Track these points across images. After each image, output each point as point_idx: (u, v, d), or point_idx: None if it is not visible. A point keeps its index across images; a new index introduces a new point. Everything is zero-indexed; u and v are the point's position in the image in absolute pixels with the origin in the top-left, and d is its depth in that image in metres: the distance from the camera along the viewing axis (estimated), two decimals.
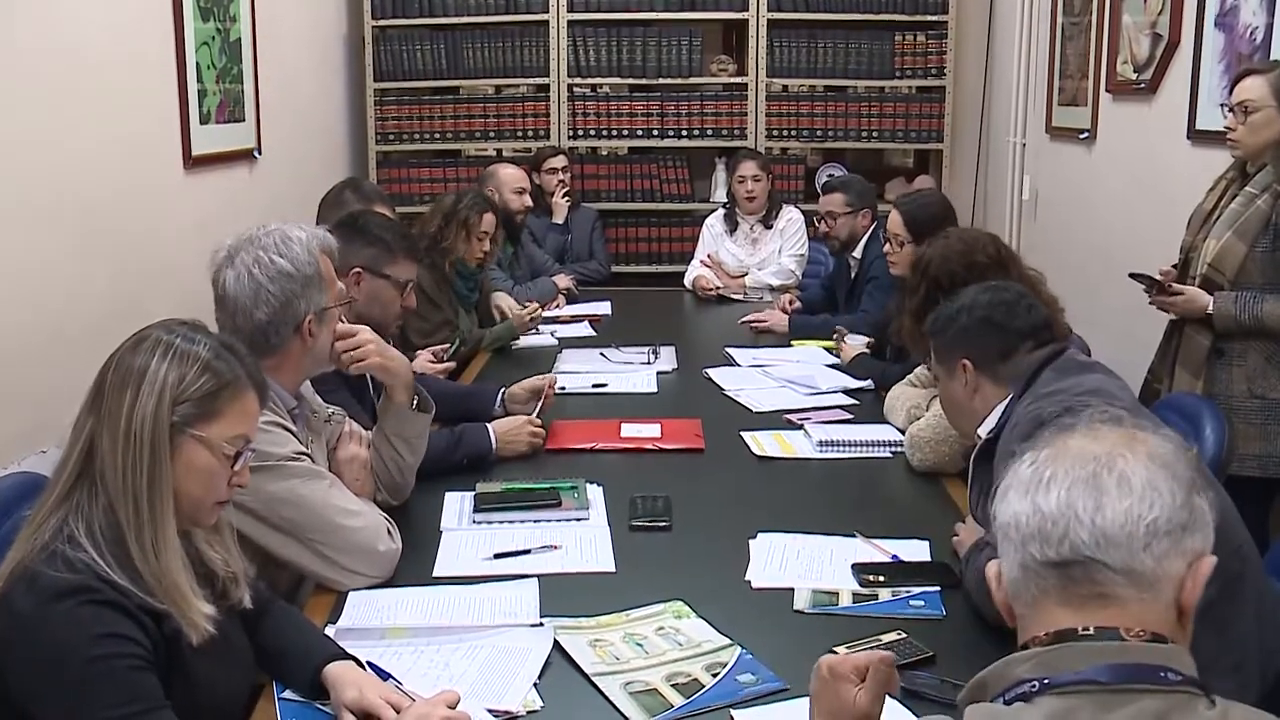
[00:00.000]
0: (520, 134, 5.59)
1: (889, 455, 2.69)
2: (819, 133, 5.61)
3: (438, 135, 5.59)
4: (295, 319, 2.00)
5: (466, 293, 4.06)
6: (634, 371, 3.52)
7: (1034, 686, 1.05)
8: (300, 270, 2.00)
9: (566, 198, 5.13)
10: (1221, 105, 2.96)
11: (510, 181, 4.65)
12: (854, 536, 2.17)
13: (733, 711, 1.58)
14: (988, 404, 2.07)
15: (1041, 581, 1.11)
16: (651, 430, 2.85)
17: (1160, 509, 1.09)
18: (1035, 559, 1.11)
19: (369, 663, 1.68)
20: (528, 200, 4.70)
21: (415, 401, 2.28)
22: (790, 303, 4.40)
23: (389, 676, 1.66)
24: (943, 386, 2.20)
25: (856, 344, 3.60)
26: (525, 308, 4.10)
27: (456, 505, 2.36)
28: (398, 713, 1.54)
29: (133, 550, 1.45)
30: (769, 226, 5.04)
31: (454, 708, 1.55)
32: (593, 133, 5.62)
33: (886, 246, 3.48)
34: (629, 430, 2.85)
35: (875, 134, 5.60)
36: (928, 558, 2.10)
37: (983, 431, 2.06)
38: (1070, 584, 1.10)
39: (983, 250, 2.61)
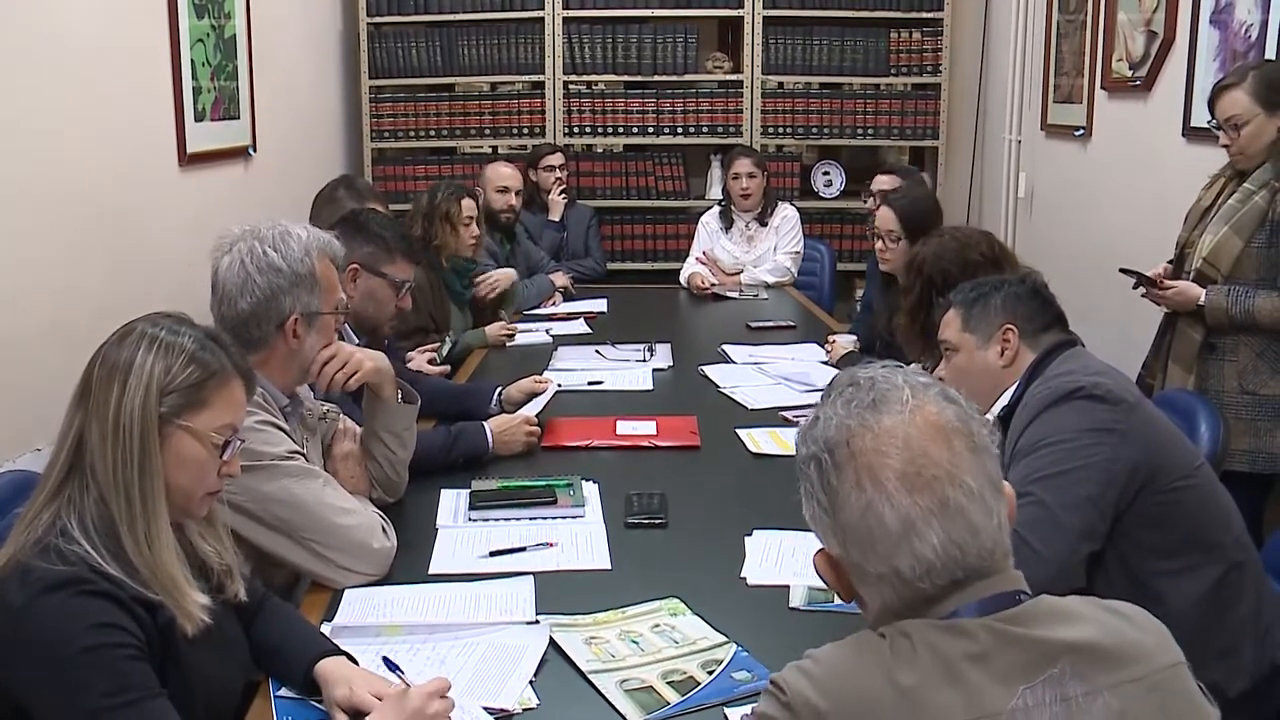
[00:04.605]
0: (515, 131, 5.59)
1: None
2: (814, 130, 5.61)
3: (433, 132, 5.59)
4: (279, 315, 1.99)
5: (460, 289, 4.05)
6: (629, 369, 3.52)
7: None
8: (291, 267, 1.99)
9: (563, 195, 5.13)
10: (1209, 123, 2.96)
11: (492, 180, 4.63)
12: None
13: (726, 710, 1.58)
14: (1015, 375, 2.09)
15: None
16: (647, 427, 2.85)
17: None
18: None
19: (384, 658, 1.67)
20: (512, 199, 4.64)
21: (400, 394, 2.29)
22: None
23: (397, 669, 1.64)
24: (965, 358, 2.17)
25: (846, 342, 3.61)
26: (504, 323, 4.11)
27: (452, 503, 2.36)
28: None
29: (126, 542, 1.45)
30: (764, 224, 5.05)
31: (444, 695, 1.54)
32: (588, 130, 5.61)
33: (879, 244, 3.48)
34: (624, 428, 2.85)
35: (871, 131, 5.60)
36: None
37: (994, 412, 2.09)
38: None
39: (977, 248, 2.62)
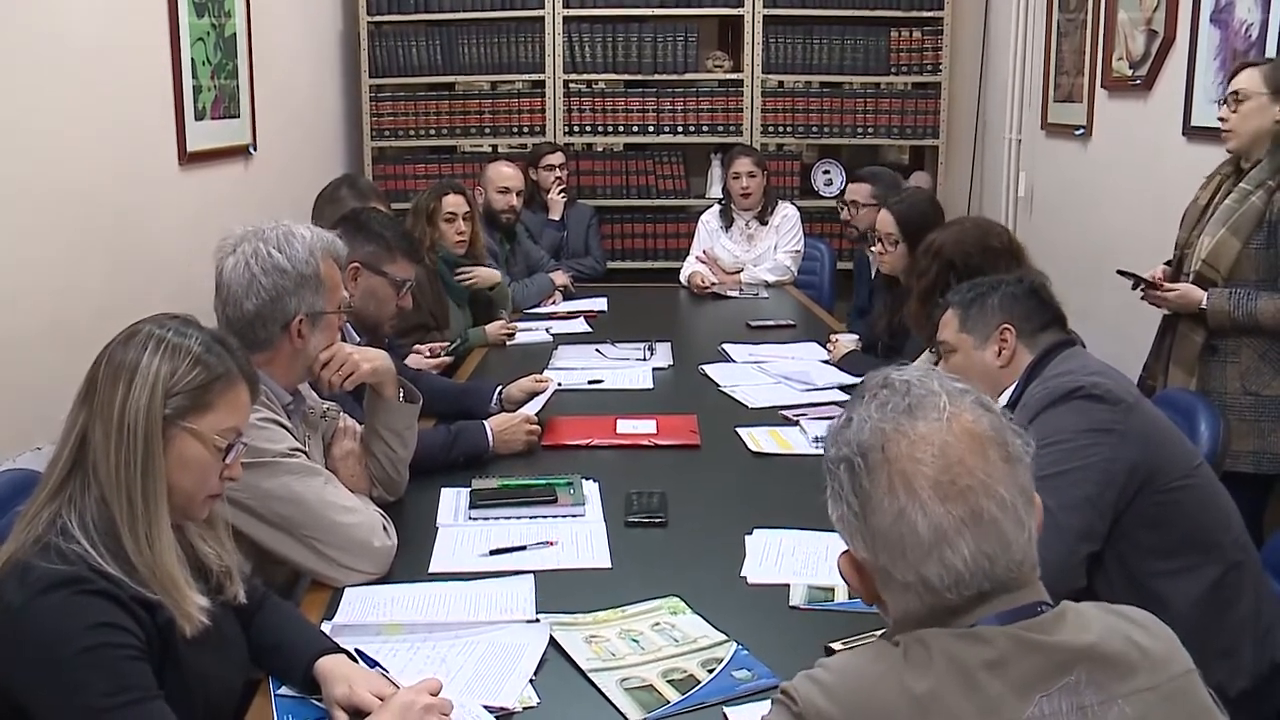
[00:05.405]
0: (516, 130, 5.59)
1: None
2: (814, 129, 5.61)
3: (433, 131, 5.59)
4: (284, 316, 2.00)
5: (456, 286, 4.04)
6: (630, 367, 3.52)
7: None
8: (295, 268, 2.00)
9: (563, 194, 5.13)
10: (1217, 102, 2.97)
11: (493, 180, 4.63)
12: None
13: (726, 709, 1.58)
14: (1014, 376, 2.09)
15: None
16: (647, 426, 2.85)
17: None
18: None
19: (357, 650, 1.68)
20: (513, 200, 4.64)
21: (401, 393, 2.29)
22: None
23: (375, 664, 1.66)
24: (962, 358, 2.16)
25: (848, 341, 3.60)
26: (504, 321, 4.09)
27: (452, 501, 2.36)
28: None
29: (126, 542, 1.45)
30: (764, 222, 5.05)
31: (436, 695, 1.55)
32: (588, 129, 5.61)
33: (877, 246, 3.47)
34: (625, 426, 2.85)
35: (871, 130, 5.60)
36: None
37: None
38: None
39: (998, 237, 2.64)
